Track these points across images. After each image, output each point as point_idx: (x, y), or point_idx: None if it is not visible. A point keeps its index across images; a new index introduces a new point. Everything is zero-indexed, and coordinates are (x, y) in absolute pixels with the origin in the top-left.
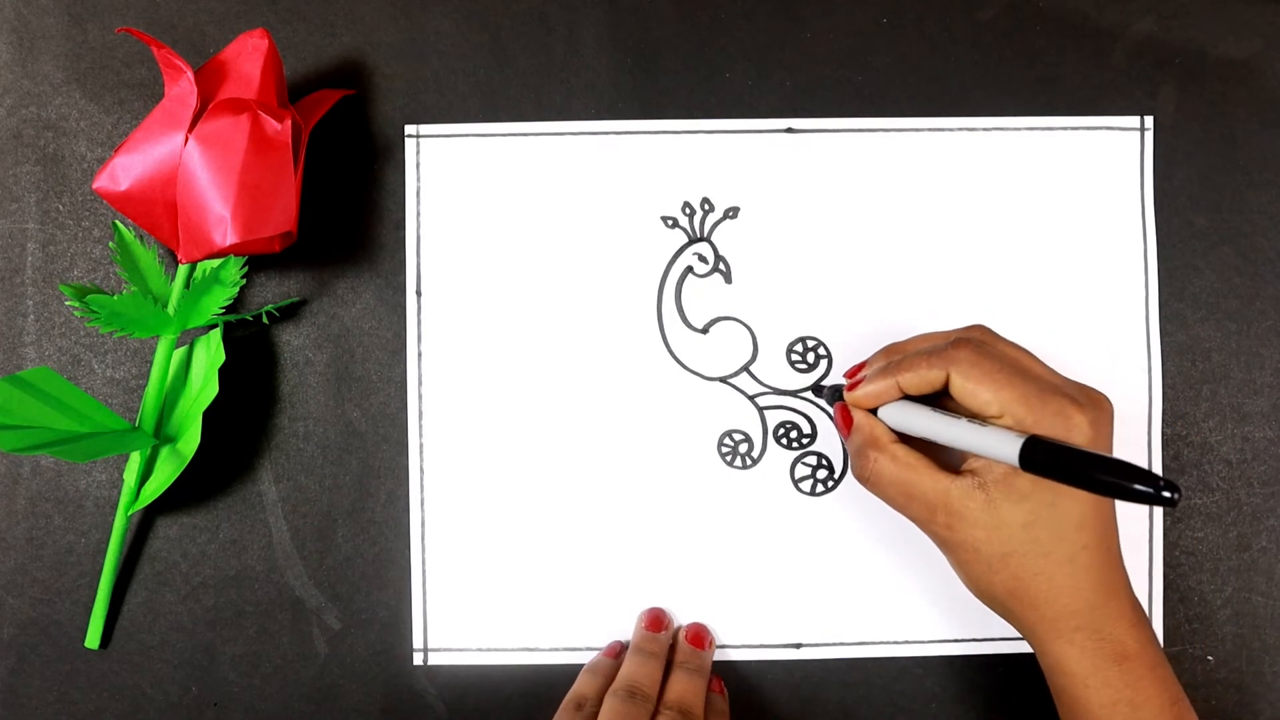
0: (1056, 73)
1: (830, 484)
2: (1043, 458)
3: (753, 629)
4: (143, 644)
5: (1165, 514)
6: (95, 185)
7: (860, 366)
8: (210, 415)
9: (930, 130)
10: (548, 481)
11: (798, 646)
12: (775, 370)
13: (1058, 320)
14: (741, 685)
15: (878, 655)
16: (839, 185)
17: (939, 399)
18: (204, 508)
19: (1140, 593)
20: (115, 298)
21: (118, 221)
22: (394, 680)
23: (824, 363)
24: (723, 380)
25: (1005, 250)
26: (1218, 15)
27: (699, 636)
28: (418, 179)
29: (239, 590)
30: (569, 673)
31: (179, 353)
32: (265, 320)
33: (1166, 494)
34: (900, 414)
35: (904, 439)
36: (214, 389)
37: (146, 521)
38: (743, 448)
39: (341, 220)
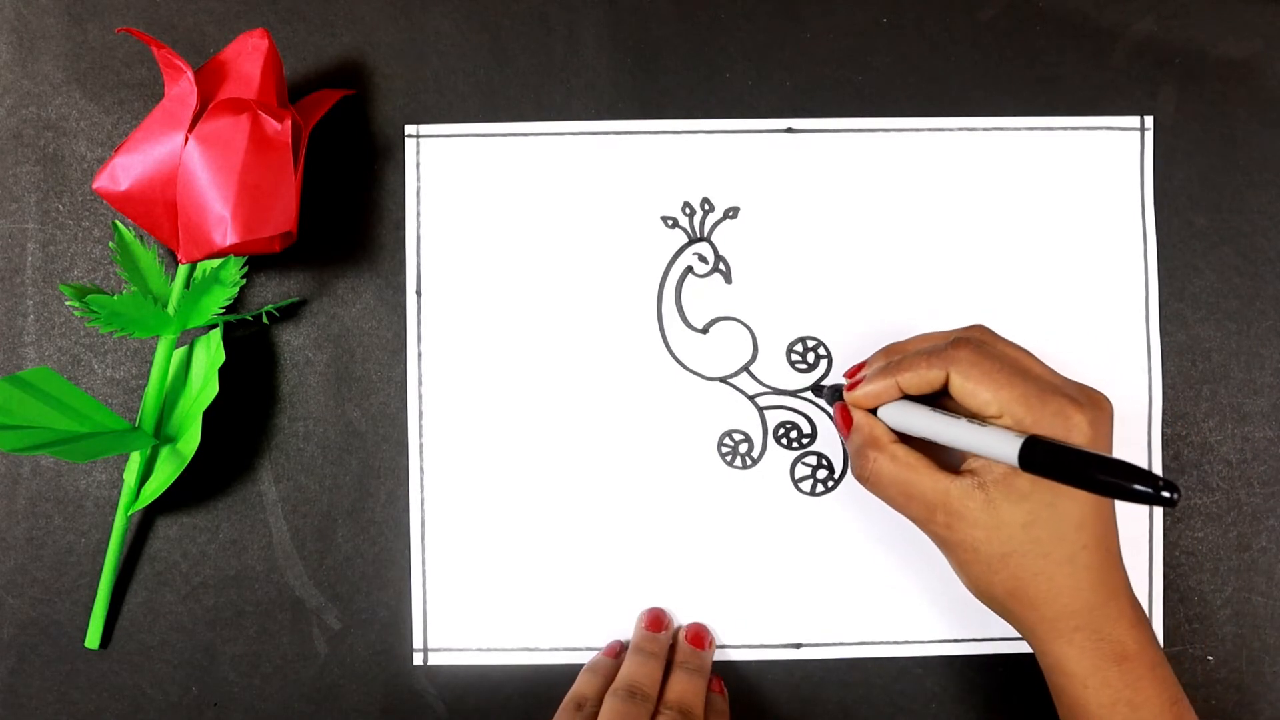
0: (1056, 73)
1: (830, 484)
2: (1042, 458)
3: (753, 629)
4: (143, 644)
5: (1165, 514)
6: (95, 185)
7: (860, 366)
8: (210, 415)
9: (930, 130)
10: (548, 481)
11: (798, 646)
12: (775, 370)
13: (1058, 320)
14: (741, 685)
15: (878, 655)
16: (839, 185)
17: (939, 399)
18: (204, 508)
19: (1140, 593)
20: (115, 298)
21: (118, 221)
22: (394, 680)
23: (824, 363)
24: (723, 380)
25: (1005, 250)
26: (1218, 15)
27: (699, 636)
28: (418, 179)
29: (239, 590)
30: (569, 673)
31: (179, 353)
32: (265, 320)
33: (1166, 494)
34: (900, 414)
35: (904, 439)
36: (214, 389)
37: (146, 521)
38: (743, 448)
39: (341, 220)
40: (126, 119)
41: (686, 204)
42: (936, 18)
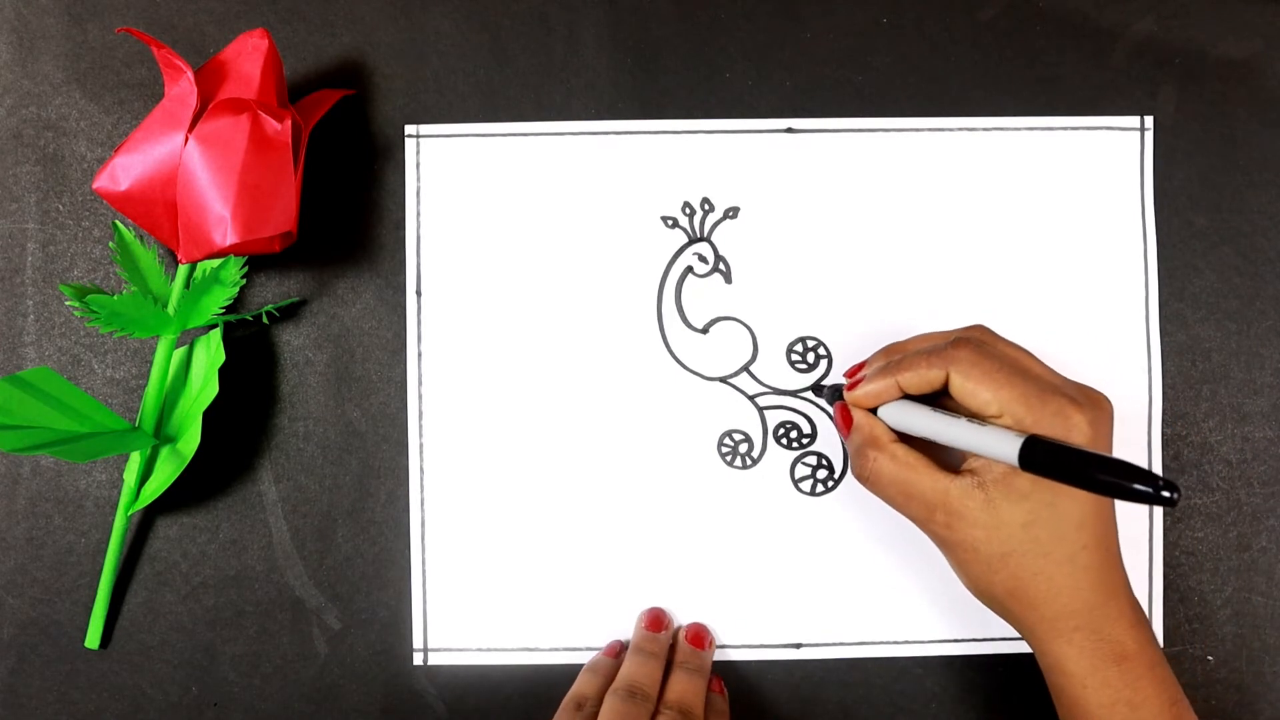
0: (1056, 73)
1: (830, 484)
2: (1042, 457)
3: (753, 629)
4: (143, 644)
5: (1165, 514)
6: (95, 185)
7: (860, 366)
8: (210, 415)
9: (930, 130)
10: (548, 481)
11: (798, 646)
12: (775, 370)
13: (1058, 320)
14: (741, 685)
15: (878, 655)
16: (839, 185)
17: (939, 399)
18: (204, 508)
19: (1140, 593)
20: (115, 298)
21: (118, 221)
22: (394, 680)
23: (824, 363)
24: (723, 380)
25: (1005, 250)
26: (1218, 15)
27: (699, 636)
28: (418, 179)
29: (239, 590)
30: (569, 673)
31: (179, 353)
32: (265, 320)
33: (1166, 494)
34: (900, 414)
35: (904, 438)
36: (214, 389)
37: (146, 521)
38: (743, 448)
39: (341, 220)
40: (126, 119)
41: (686, 204)
42: (936, 18)
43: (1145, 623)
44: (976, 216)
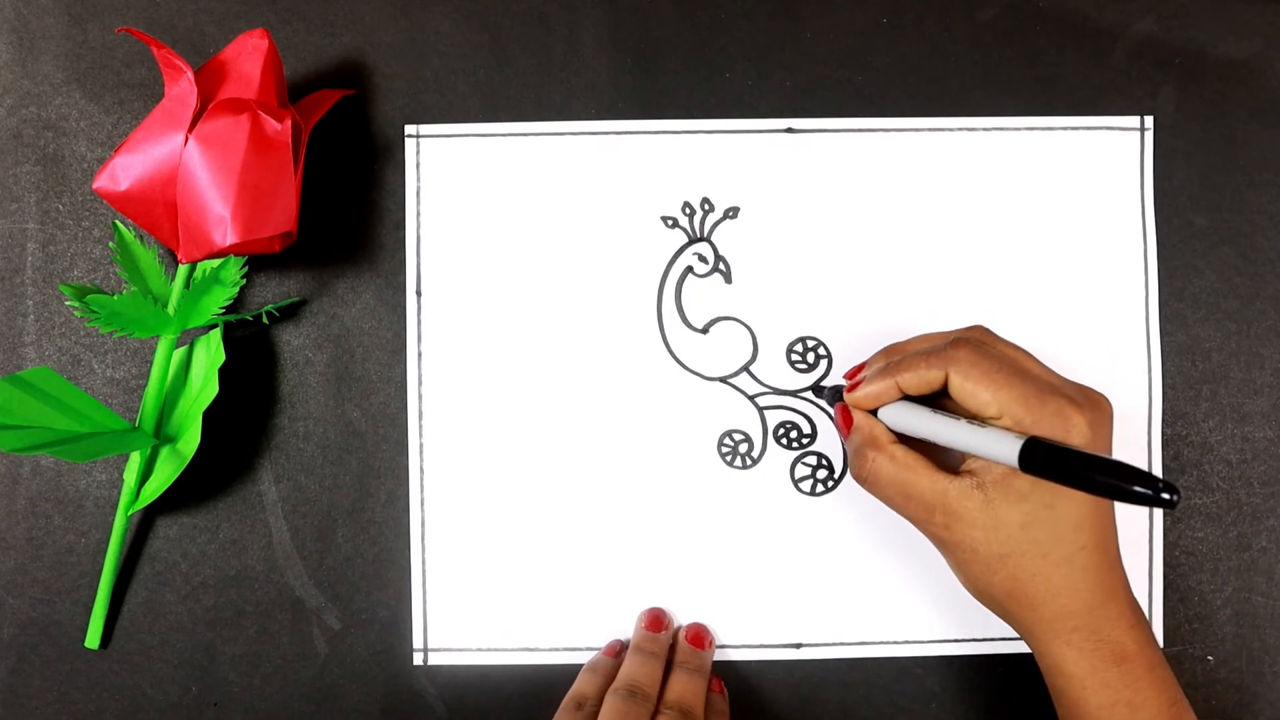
0: (1056, 73)
1: (830, 484)
2: (1042, 459)
3: (753, 629)
4: (143, 644)
5: (1165, 514)
6: (95, 185)
7: (860, 368)
8: (210, 415)
9: (930, 130)
10: (548, 481)
11: (798, 646)
12: (775, 370)
13: (1058, 320)
14: (741, 685)
15: (878, 655)
16: (839, 185)
17: (938, 399)
18: (204, 508)
19: (1140, 593)
20: (115, 298)
21: (118, 221)
22: (394, 680)
23: (824, 363)
24: (723, 380)
25: (1005, 250)
26: (1218, 15)
27: (699, 636)
28: (418, 179)
29: (239, 590)
30: (569, 673)
31: (179, 353)
32: (265, 320)
33: (1165, 495)
34: (900, 415)
35: (903, 440)
36: (214, 389)
37: (146, 521)
38: (743, 448)
39: (341, 220)
40: (126, 119)
41: (686, 204)
42: (936, 18)
43: (1145, 623)
44: (976, 216)
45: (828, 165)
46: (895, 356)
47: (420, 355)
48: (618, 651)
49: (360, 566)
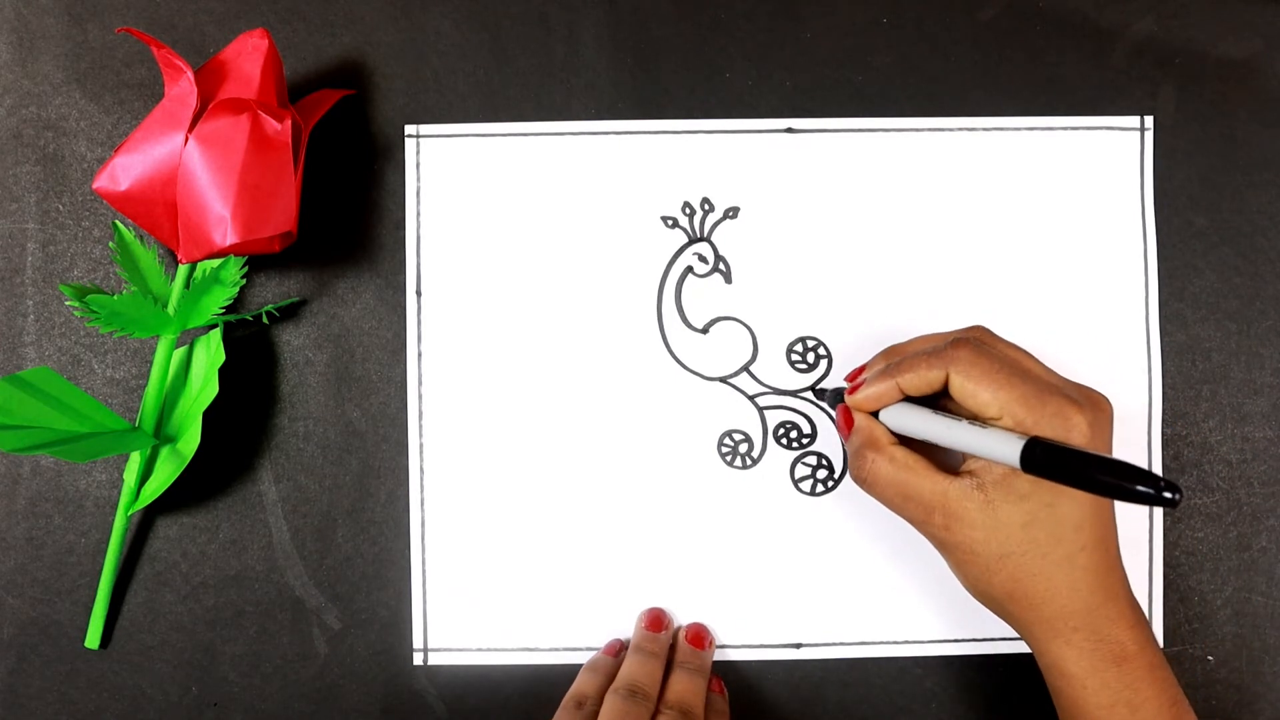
0: (1056, 73)
1: (830, 484)
2: (1044, 459)
3: (753, 629)
4: (143, 644)
5: (1165, 514)
6: (95, 185)
7: (861, 370)
8: (210, 415)
9: (930, 130)
10: (548, 481)
11: (798, 646)
12: (775, 370)
13: (1058, 320)
14: (741, 685)
15: (878, 655)
16: (839, 185)
17: (939, 400)
18: (204, 508)
19: (1140, 593)
20: (115, 298)
21: (118, 221)
22: (394, 680)
23: (824, 363)
24: (723, 380)
25: (1005, 250)
26: (1218, 15)
27: (699, 636)
28: (418, 179)
29: (239, 590)
30: (569, 673)
31: (179, 353)
32: (265, 320)
33: (1168, 494)
34: (901, 416)
35: (903, 441)
36: (214, 389)
37: (146, 521)
38: (743, 448)
39: (341, 220)
40: (126, 119)
41: (686, 204)
42: (936, 18)
43: (1145, 623)
44: (976, 216)
45: (828, 165)
46: (895, 358)
47: (420, 355)
48: (617, 651)
49: (360, 566)
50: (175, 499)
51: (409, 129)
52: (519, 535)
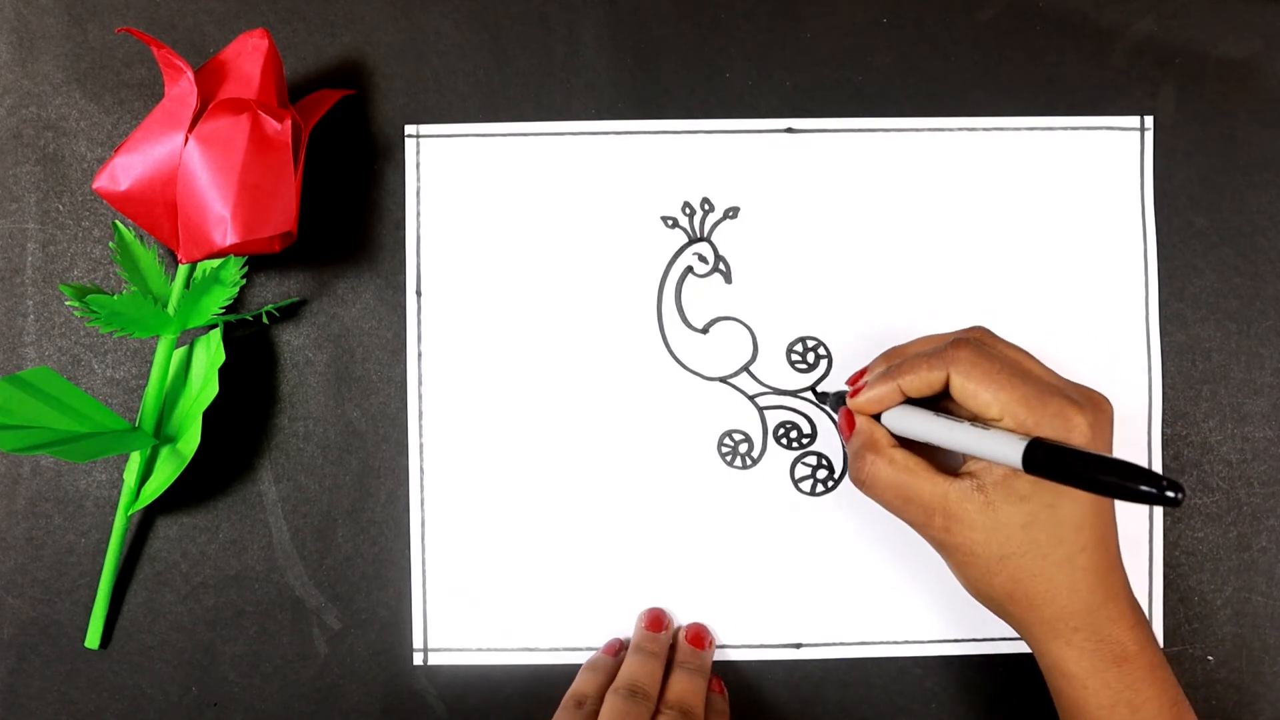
0: (1056, 73)
1: (830, 484)
2: (1046, 459)
3: (753, 629)
4: (143, 644)
5: (1165, 514)
6: (95, 185)
7: (862, 373)
8: (210, 415)
9: (930, 130)
10: (547, 481)
11: (798, 646)
12: (775, 370)
13: (1058, 320)
14: (741, 685)
15: (878, 655)
16: (839, 185)
17: (940, 401)
18: (204, 508)
19: (1140, 593)
20: (115, 298)
21: (118, 221)
22: (394, 680)
23: (824, 363)
24: (723, 380)
25: (1005, 250)
26: (1218, 15)
27: (699, 636)
28: (418, 179)
29: (239, 590)
30: (569, 673)
31: (179, 353)
32: (265, 320)
33: (1170, 493)
34: (902, 418)
35: (903, 443)
36: (214, 389)
37: (146, 521)
38: (743, 448)
39: (341, 220)
40: (126, 119)
41: (686, 204)
42: (936, 18)
43: (1145, 624)
44: (976, 216)
45: (828, 165)
46: (896, 360)
47: (420, 355)
48: (617, 650)
49: (360, 566)
50: (175, 499)
51: (409, 129)
52: (519, 535)
